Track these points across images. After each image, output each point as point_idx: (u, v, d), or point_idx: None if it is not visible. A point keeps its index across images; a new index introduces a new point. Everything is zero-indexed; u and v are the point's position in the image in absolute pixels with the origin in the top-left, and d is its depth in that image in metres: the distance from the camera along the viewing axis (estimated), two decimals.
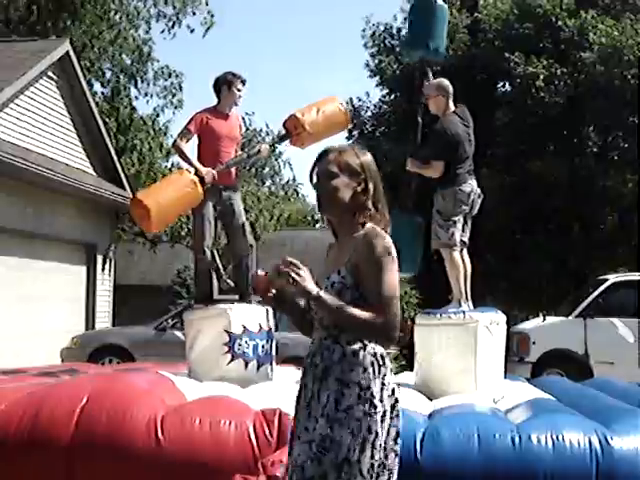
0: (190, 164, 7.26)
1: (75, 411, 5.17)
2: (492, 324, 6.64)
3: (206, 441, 4.92)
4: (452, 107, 7.20)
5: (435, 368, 6.65)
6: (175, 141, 7.34)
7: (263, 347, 6.98)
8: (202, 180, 7.01)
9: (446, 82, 7.28)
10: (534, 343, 13.81)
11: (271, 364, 7.16)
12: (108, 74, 24.72)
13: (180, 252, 26.95)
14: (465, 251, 7.01)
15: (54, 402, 5.31)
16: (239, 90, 7.31)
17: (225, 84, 7.25)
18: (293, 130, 7.29)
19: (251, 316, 6.96)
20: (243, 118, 25.41)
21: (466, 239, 7.06)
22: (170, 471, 4.89)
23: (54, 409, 5.22)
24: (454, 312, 6.65)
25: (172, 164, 25.93)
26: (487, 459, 4.69)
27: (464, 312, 6.63)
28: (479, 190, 7.10)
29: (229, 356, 6.78)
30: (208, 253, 7.34)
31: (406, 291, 41.35)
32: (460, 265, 6.85)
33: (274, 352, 7.28)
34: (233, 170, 7.43)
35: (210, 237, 7.30)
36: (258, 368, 6.91)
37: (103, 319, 18.13)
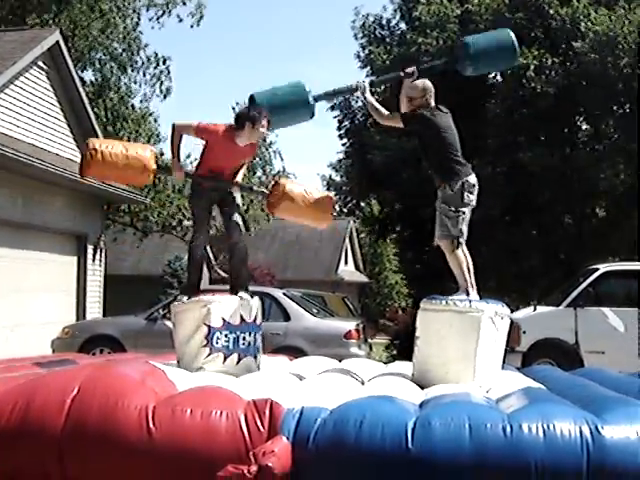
0: (172, 153, 7.31)
1: (66, 401, 5.15)
2: (497, 316, 6.64)
3: (197, 431, 4.91)
4: (432, 103, 7.17)
5: (435, 353, 6.63)
6: (175, 124, 7.18)
7: (244, 339, 6.94)
8: (161, 169, 7.30)
9: (429, 83, 7.23)
10: (525, 332, 13.85)
11: (255, 356, 7.13)
12: (97, 63, 24.68)
13: (171, 242, 26.96)
14: (465, 247, 7.02)
15: (45, 392, 5.30)
16: (264, 126, 7.07)
17: (249, 121, 6.99)
18: (275, 192, 7.38)
19: (232, 308, 6.93)
20: (233, 108, 25.35)
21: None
22: (161, 461, 4.88)
23: (45, 399, 5.20)
24: (460, 300, 6.65)
25: (160, 152, 25.97)
26: (478, 448, 4.69)
27: (470, 300, 6.64)
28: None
29: (207, 350, 6.76)
30: (202, 241, 7.40)
31: (397, 281, 41.55)
32: (464, 258, 6.85)
33: (259, 344, 7.24)
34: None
35: (206, 228, 7.44)
36: (238, 361, 6.88)
37: (94, 309, 18.14)
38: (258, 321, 7.24)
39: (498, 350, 6.79)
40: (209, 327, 6.78)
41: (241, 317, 6.97)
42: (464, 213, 6.86)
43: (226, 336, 6.83)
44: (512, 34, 7.48)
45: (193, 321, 6.88)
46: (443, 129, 6.95)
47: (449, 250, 6.87)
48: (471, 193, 6.88)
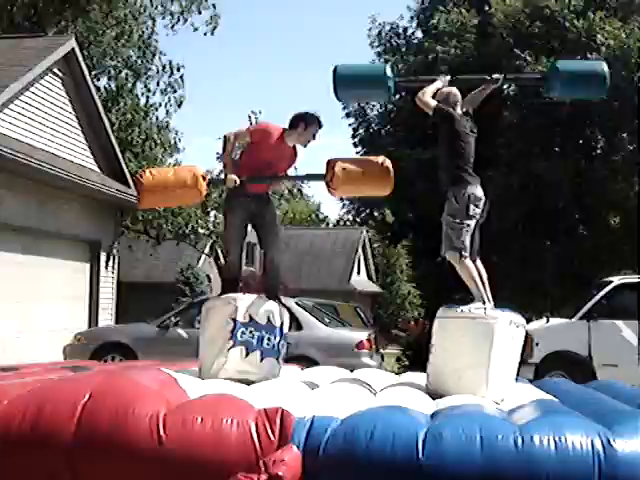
0: (224, 163, 7.50)
1: (77, 408, 5.15)
2: (512, 324, 6.62)
3: (208, 439, 4.91)
4: (460, 112, 7.22)
5: (449, 360, 6.61)
6: (226, 135, 7.28)
7: (269, 341, 7.00)
8: (210, 183, 7.27)
9: (455, 89, 7.28)
10: (537, 344, 13.80)
11: (278, 360, 7.17)
12: (112, 71, 24.79)
13: (184, 250, 27.00)
14: (478, 260, 7.01)
15: (56, 399, 5.30)
16: (315, 132, 7.29)
17: (302, 122, 7.21)
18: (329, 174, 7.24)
19: (260, 308, 7.01)
20: (249, 117, 25.40)
21: (477, 246, 7.06)
22: (171, 469, 4.87)
23: (56, 406, 5.20)
24: (476, 307, 6.64)
25: (176, 160, 26.03)
26: (489, 460, 4.67)
27: (485, 308, 6.63)
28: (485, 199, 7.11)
29: (231, 342, 6.83)
30: (238, 255, 7.44)
31: (409, 291, 41.47)
32: (473, 268, 6.84)
33: (283, 350, 7.28)
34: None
35: (239, 243, 7.44)
36: (261, 360, 6.94)
37: (106, 316, 18.17)
38: (285, 329, 7.27)
39: (513, 359, 6.76)
40: (234, 321, 6.86)
41: (268, 318, 7.03)
42: (468, 226, 6.86)
43: (251, 332, 6.92)
44: (606, 67, 7.39)
45: (221, 317, 6.95)
46: (462, 135, 6.97)
47: (455, 262, 6.87)
48: (477, 206, 6.88)
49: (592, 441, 4.71)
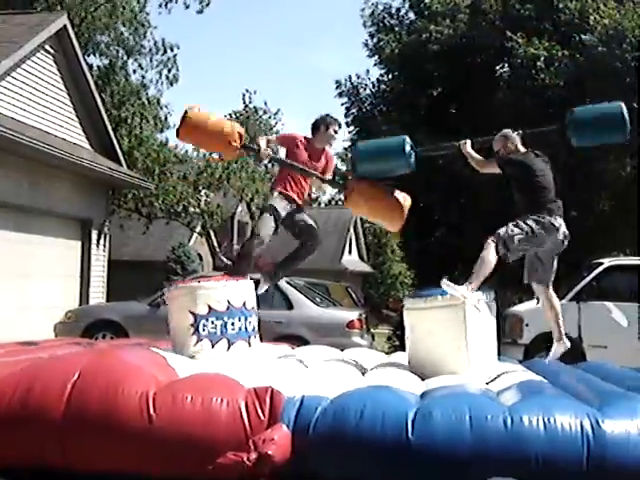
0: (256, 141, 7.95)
1: (67, 386, 5.15)
2: (480, 303, 6.63)
3: (197, 418, 4.92)
4: (522, 149, 7.44)
5: (426, 351, 6.64)
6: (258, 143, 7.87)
7: (233, 325, 6.85)
8: (244, 146, 7.71)
9: (508, 131, 7.50)
10: (527, 325, 13.82)
11: (249, 340, 7.01)
12: (104, 48, 24.67)
13: (176, 229, 26.97)
14: (551, 289, 7.09)
15: (46, 377, 5.30)
16: (335, 132, 8.04)
17: (323, 124, 7.96)
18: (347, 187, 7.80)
19: (217, 294, 6.85)
20: (243, 95, 25.36)
21: (550, 277, 7.27)
22: (161, 448, 4.88)
23: (46, 384, 5.20)
24: (440, 293, 6.64)
25: (166, 138, 25.98)
26: (479, 440, 4.70)
27: (450, 293, 6.62)
28: (567, 232, 7.20)
29: (195, 338, 6.70)
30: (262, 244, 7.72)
31: (400, 271, 41.53)
32: (492, 263, 6.90)
33: (253, 328, 7.13)
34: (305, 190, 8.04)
35: (268, 235, 7.74)
36: (229, 347, 6.80)
37: (97, 294, 18.17)
38: (249, 305, 7.10)
39: (490, 336, 6.79)
40: (195, 315, 6.73)
41: (228, 302, 6.86)
42: (527, 242, 6.97)
43: (213, 323, 6.75)
44: (624, 108, 7.37)
45: (180, 309, 6.85)
46: (537, 171, 7.23)
47: (490, 247, 6.91)
48: (547, 230, 6.99)
49: (581, 422, 4.73)
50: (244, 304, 7.03)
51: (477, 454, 4.67)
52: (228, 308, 6.86)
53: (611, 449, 4.65)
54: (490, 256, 6.88)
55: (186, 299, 6.81)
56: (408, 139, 7.65)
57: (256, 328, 7.24)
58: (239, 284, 7.10)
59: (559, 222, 7.12)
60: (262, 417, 4.92)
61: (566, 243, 7.27)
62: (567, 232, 7.20)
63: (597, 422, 4.74)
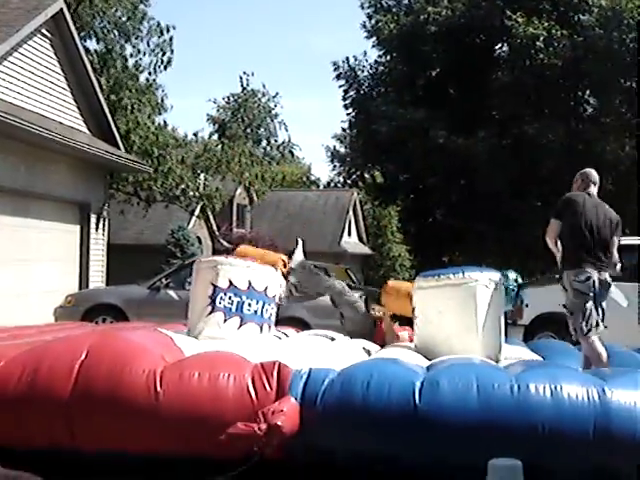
0: None
1: (74, 366, 5.18)
2: (491, 282, 6.62)
3: (205, 394, 4.94)
4: (593, 192, 7.21)
5: (437, 330, 6.63)
6: None
7: (250, 306, 6.89)
8: None
9: (590, 171, 7.31)
10: (527, 306, 13.82)
11: (262, 326, 7.04)
12: (101, 32, 24.55)
13: (175, 212, 26.92)
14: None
15: (53, 357, 5.32)
16: None
17: None
18: None
19: (241, 273, 6.90)
20: (241, 77, 25.41)
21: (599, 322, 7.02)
22: (169, 424, 4.91)
23: (53, 364, 5.23)
24: (453, 272, 6.64)
25: (164, 121, 25.90)
26: (485, 407, 4.72)
27: (463, 272, 6.62)
28: (605, 277, 7.06)
29: (209, 308, 6.75)
30: None
31: (400, 253, 41.54)
32: (598, 351, 6.76)
33: (269, 315, 7.17)
34: None
35: None
36: (240, 326, 6.82)
37: (97, 278, 18.13)
38: (270, 293, 7.16)
39: (498, 317, 6.78)
40: (214, 287, 6.78)
41: (249, 283, 6.93)
42: (581, 311, 6.85)
43: (230, 298, 6.81)
44: None
45: (203, 280, 6.91)
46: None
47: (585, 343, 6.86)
48: (580, 291, 6.87)
49: (587, 390, 4.76)
50: (265, 289, 7.07)
51: (484, 421, 4.69)
52: (249, 288, 6.91)
53: (616, 417, 4.69)
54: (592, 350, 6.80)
55: (209, 271, 6.87)
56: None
57: (273, 317, 7.26)
58: (264, 269, 7.15)
59: (588, 273, 6.99)
60: (269, 390, 4.94)
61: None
62: (604, 277, 7.12)
63: (603, 390, 4.77)
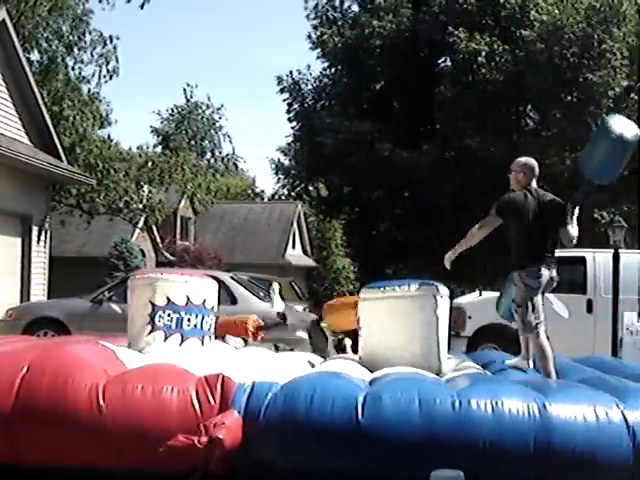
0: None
1: (16, 380, 5.11)
2: (437, 296, 6.66)
3: (148, 408, 4.91)
4: (533, 187, 7.12)
5: (381, 342, 6.65)
6: None
7: (189, 321, 6.82)
8: None
9: (534, 165, 7.16)
10: (470, 317, 13.94)
11: (203, 339, 6.99)
12: (44, 42, 24.31)
13: (117, 224, 26.70)
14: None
15: None
16: None
17: None
18: None
19: (178, 288, 6.82)
20: (184, 89, 25.33)
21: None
22: (112, 438, 4.87)
23: None
24: (398, 285, 6.67)
25: (108, 136, 25.70)
26: (428, 422, 4.76)
27: (409, 284, 6.65)
28: (553, 273, 7.05)
29: (149, 327, 6.67)
30: None
31: (344, 265, 41.69)
32: (544, 347, 6.83)
33: (209, 327, 7.13)
34: None
35: None
36: (181, 342, 6.76)
37: (38, 291, 17.91)
38: (209, 304, 7.09)
39: (443, 330, 6.83)
40: (153, 305, 6.69)
41: (187, 298, 6.84)
42: (526, 307, 6.91)
43: (169, 315, 6.72)
44: (607, 120, 6.83)
45: (140, 298, 6.81)
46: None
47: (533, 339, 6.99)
48: (530, 287, 6.87)
49: (528, 406, 4.82)
50: (204, 302, 7.00)
51: (426, 436, 4.73)
52: (187, 303, 6.83)
53: (557, 433, 4.74)
54: (538, 345, 6.88)
55: (146, 289, 6.77)
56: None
57: (212, 328, 7.22)
58: (201, 282, 7.09)
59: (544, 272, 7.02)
60: (213, 403, 4.94)
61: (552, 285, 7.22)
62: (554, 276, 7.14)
63: (544, 406, 4.83)
